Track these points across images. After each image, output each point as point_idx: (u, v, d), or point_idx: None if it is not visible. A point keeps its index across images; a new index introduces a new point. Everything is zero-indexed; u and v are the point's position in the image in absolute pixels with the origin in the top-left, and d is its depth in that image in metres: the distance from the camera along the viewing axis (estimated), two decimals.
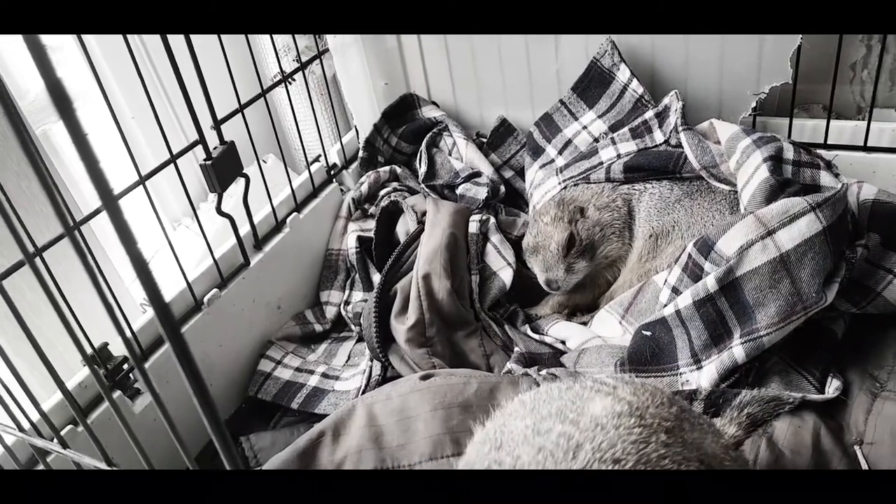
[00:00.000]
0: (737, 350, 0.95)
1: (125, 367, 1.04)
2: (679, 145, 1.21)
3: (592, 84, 1.36)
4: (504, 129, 1.52)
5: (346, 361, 1.28)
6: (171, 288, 1.13)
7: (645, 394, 0.68)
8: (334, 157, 1.50)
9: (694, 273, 1.02)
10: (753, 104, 1.29)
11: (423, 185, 1.47)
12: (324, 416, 1.11)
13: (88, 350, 0.97)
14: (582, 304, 1.29)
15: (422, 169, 1.49)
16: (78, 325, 0.93)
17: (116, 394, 1.02)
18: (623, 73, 1.32)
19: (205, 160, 1.09)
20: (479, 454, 0.66)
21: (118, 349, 1.05)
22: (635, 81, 1.30)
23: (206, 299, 1.15)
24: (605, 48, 1.32)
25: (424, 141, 1.52)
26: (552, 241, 1.22)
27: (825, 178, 1.06)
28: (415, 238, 1.29)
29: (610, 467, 0.57)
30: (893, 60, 1.32)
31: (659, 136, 1.26)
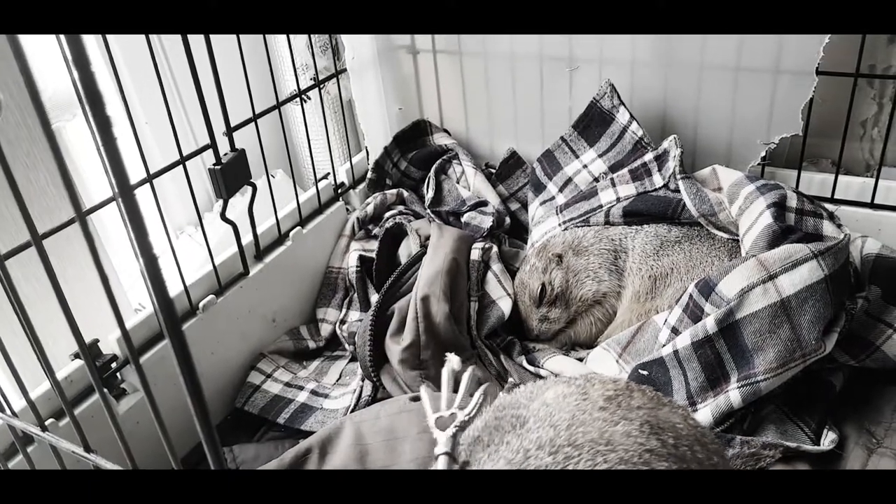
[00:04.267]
0: (733, 394, 0.94)
1: (113, 365, 1.03)
2: (678, 190, 1.22)
3: (593, 123, 1.37)
4: (513, 162, 1.53)
5: (337, 380, 1.27)
6: (168, 290, 1.12)
7: (604, 383, 0.71)
8: (343, 176, 1.51)
9: (694, 314, 1.01)
10: (763, 153, 1.29)
11: (428, 211, 1.48)
12: (309, 433, 1.10)
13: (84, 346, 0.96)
14: (581, 340, 1.28)
15: (429, 194, 1.49)
16: (71, 320, 0.92)
17: (104, 391, 1.01)
18: (623, 116, 1.33)
19: (214, 165, 1.09)
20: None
21: (106, 348, 1.04)
22: (635, 124, 1.31)
23: (201, 305, 1.14)
24: (605, 90, 1.34)
25: (433, 167, 1.53)
26: (525, 292, 1.25)
27: (827, 227, 1.06)
28: (416, 260, 1.29)
29: (548, 433, 0.62)
30: None
31: (658, 180, 1.27)
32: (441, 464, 0.40)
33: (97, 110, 0.34)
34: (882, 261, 1.05)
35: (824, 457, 0.92)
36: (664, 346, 1.03)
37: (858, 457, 0.92)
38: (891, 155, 1.35)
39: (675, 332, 1.04)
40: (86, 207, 0.99)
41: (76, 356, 1.00)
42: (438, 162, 1.54)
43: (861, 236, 1.12)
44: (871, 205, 1.23)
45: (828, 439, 0.93)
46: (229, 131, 1.13)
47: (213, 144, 1.10)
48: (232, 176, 1.12)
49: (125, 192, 0.35)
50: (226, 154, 1.12)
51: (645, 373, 1.03)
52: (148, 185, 1.01)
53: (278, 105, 1.26)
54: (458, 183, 1.53)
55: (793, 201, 1.08)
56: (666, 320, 1.07)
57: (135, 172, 1.02)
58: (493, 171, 1.55)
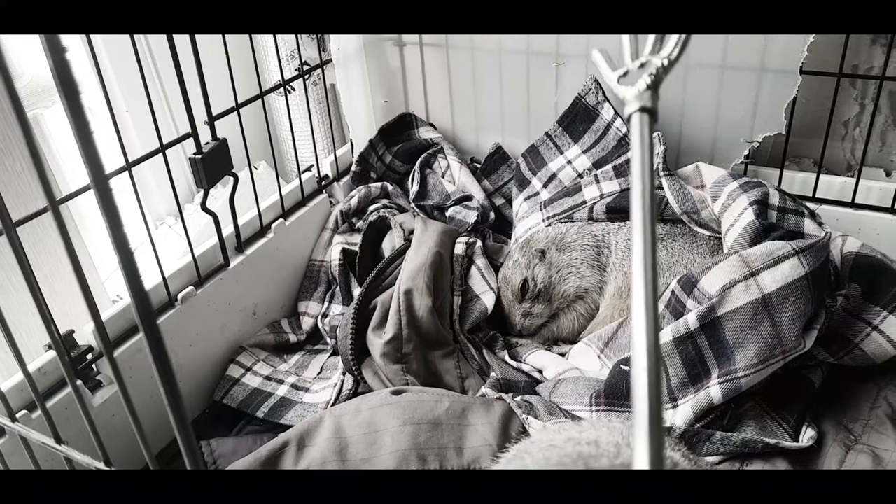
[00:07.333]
0: (714, 390, 0.94)
1: (88, 357, 1.01)
2: (661, 187, 1.22)
3: (578, 119, 1.37)
4: (498, 157, 1.52)
5: (318, 374, 1.26)
6: (146, 282, 1.10)
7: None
8: (327, 169, 1.49)
9: (676, 310, 1.01)
10: (746, 152, 1.30)
11: (413, 205, 1.47)
12: (289, 426, 1.08)
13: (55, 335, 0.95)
14: (563, 336, 1.28)
15: (413, 188, 1.49)
16: (46, 310, 0.91)
17: (77, 383, 0.99)
18: (607, 112, 1.33)
19: (195, 154, 1.08)
20: None
21: (82, 339, 1.02)
22: (619, 120, 1.31)
23: (180, 296, 1.12)
24: (590, 86, 1.34)
25: (419, 161, 1.52)
26: (508, 287, 1.25)
27: (809, 225, 1.07)
28: (400, 254, 1.28)
29: None
30: (885, 121, 1.35)
31: None
32: (636, 122, 0.31)
33: (72, 99, 0.33)
34: (862, 259, 1.06)
35: (803, 453, 0.93)
36: None
37: (836, 453, 0.93)
38: (872, 155, 1.37)
39: None
40: (61, 195, 0.97)
41: (49, 347, 0.98)
42: (423, 156, 1.53)
43: (841, 235, 1.13)
44: (852, 204, 1.24)
45: (807, 436, 0.94)
46: (211, 120, 1.11)
47: (193, 133, 1.08)
48: (213, 166, 1.10)
49: (99, 183, 0.34)
50: (207, 143, 1.11)
51: (626, 368, 1.03)
52: (127, 173, 0.99)
53: (262, 94, 1.25)
54: (443, 177, 1.52)
55: (775, 199, 1.09)
56: None
57: (114, 160, 1.00)
58: (479, 165, 1.54)
